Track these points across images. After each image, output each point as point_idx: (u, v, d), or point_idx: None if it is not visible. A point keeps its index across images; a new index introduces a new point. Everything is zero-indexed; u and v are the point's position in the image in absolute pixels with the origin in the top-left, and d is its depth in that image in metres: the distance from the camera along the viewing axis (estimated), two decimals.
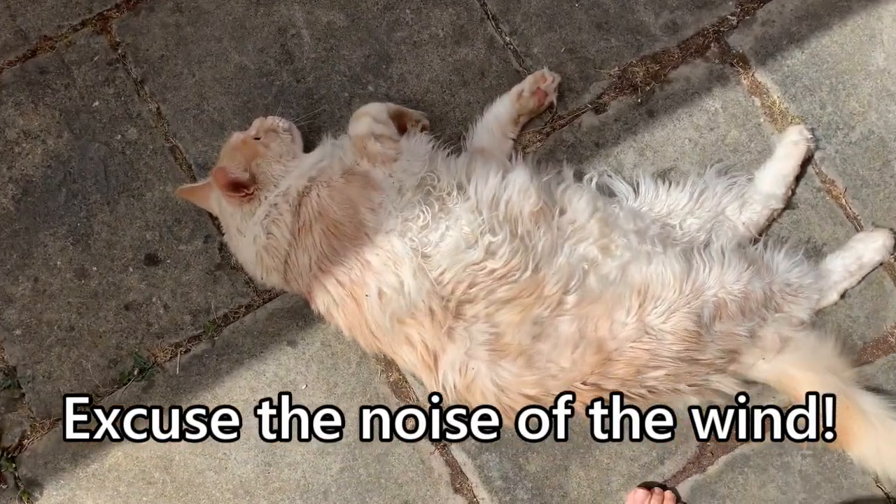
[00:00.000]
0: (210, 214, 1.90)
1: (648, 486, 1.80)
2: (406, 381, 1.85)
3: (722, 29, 1.95)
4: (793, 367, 1.70)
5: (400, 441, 1.83)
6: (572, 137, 1.92)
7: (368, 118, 1.73)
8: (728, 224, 1.80)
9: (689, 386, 1.66)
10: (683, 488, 1.80)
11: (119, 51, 1.98)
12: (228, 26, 1.98)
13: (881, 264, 1.81)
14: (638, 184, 1.83)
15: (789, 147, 1.84)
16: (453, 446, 1.83)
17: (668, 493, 1.79)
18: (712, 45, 1.94)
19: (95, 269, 1.91)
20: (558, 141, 1.93)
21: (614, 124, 1.92)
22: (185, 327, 1.89)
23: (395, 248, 1.61)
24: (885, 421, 1.64)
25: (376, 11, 1.98)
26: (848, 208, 1.86)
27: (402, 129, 1.83)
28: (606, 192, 1.84)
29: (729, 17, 1.95)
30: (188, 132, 1.96)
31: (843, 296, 1.80)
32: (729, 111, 1.92)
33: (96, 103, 1.97)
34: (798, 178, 1.87)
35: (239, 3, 2.00)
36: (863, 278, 1.80)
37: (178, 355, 1.88)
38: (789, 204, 1.85)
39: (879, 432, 1.63)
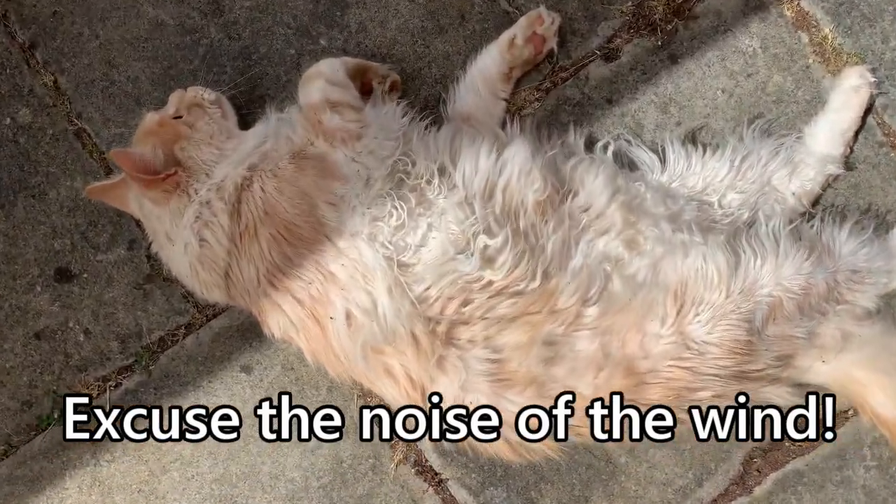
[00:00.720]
0: (132, 216, 1.52)
1: None
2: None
3: None
4: (858, 369, 1.40)
5: (385, 479, 1.52)
6: (578, 94, 1.55)
7: (321, 81, 1.37)
8: (775, 196, 1.47)
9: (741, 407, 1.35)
10: None
11: None
12: None
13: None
14: (664, 150, 1.48)
15: (847, 94, 1.49)
16: (451, 482, 1.54)
17: None
18: None
19: None
20: (561, 99, 1.56)
21: (630, 75, 1.56)
22: (112, 356, 1.56)
23: (363, 256, 1.26)
24: None
25: None
26: None
27: (366, 90, 1.46)
28: (625, 162, 1.48)
29: None
30: (96, 110, 1.56)
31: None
32: (770, 52, 1.56)
33: None
34: (857, 133, 1.52)
35: None
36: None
37: (108, 391, 1.54)
38: (846, 165, 1.51)
39: None
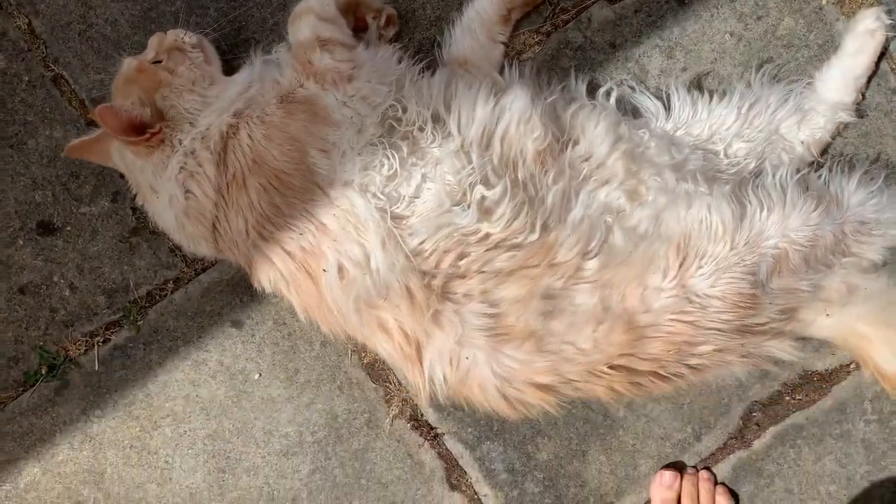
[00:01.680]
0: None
1: (678, 467, 1.50)
2: (385, 362, 1.49)
3: None
4: (863, 323, 1.37)
5: (381, 434, 1.50)
6: (580, 37, 1.47)
7: (311, 16, 1.30)
8: (783, 145, 1.41)
9: (740, 357, 1.31)
10: (724, 468, 1.52)
11: None
12: None
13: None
14: (669, 97, 1.42)
15: (863, 38, 1.42)
16: (447, 437, 1.51)
17: (703, 473, 1.50)
18: None
19: None
20: (562, 43, 1.48)
21: (634, 17, 1.47)
22: (100, 312, 1.50)
23: (355, 206, 1.21)
24: None
25: None
26: None
27: (360, 27, 1.40)
28: (628, 109, 1.42)
29: None
30: (74, 55, 1.48)
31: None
32: None
33: None
34: (870, 79, 1.45)
35: None
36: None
37: (96, 347, 1.50)
38: (858, 112, 1.45)
39: None
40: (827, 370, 1.50)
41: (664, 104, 1.42)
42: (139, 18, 1.49)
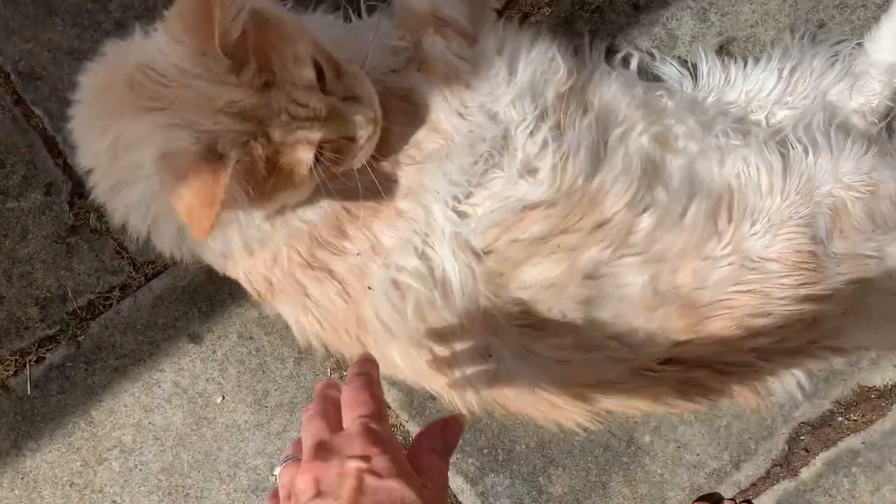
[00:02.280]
0: (49, 152, 1.23)
1: (714, 500, 1.30)
2: None
3: None
4: None
5: None
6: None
7: None
8: (834, 112, 1.19)
9: (809, 344, 1.10)
10: (767, 501, 1.31)
11: None
12: None
13: None
14: (695, 66, 1.20)
15: None
16: None
17: None
18: None
19: None
20: (576, 4, 1.26)
21: None
22: (31, 325, 1.28)
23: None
24: None
25: None
26: None
27: None
28: (650, 78, 1.21)
29: None
30: None
31: None
32: None
33: None
34: None
35: None
36: None
37: (28, 367, 1.28)
38: None
39: None
40: (886, 385, 1.30)
41: (691, 73, 1.21)
42: None
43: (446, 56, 1.02)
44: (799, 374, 1.14)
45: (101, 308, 1.29)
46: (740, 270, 1.05)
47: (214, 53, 0.83)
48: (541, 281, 1.02)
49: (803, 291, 1.06)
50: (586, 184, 1.02)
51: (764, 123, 1.19)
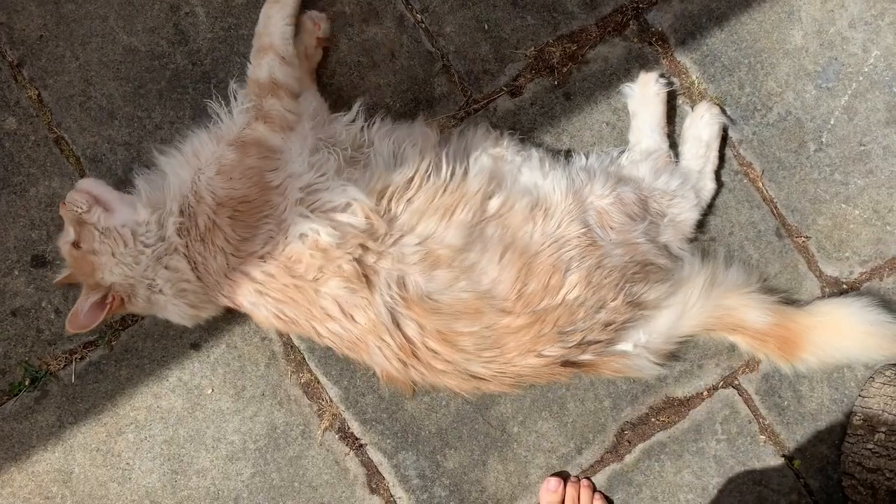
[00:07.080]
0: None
1: (563, 476, 1.78)
2: (318, 382, 1.78)
3: (640, 5, 1.87)
4: (725, 298, 1.66)
5: (313, 444, 1.77)
6: (487, 123, 1.84)
7: (272, 55, 1.57)
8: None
9: (624, 305, 1.56)
10: (601, 478, 1.80)
11: None
12: (115, 3, 1.82)
13: (725, 129, 1.81)
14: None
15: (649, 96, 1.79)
16: (369, 447, 1.78)
17: (583, 481, 1.78)
18: (631, 22, 1.86)
19: None
20: (472, 126, 1.84)
21: (530, 108, 1.84)
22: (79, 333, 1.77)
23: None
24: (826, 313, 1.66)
25: None
26: (764, 191, 1.83)
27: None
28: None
29: None
30: (74, 121, 1.80)
31: (718, 180, 1.79)
32: None
33: None
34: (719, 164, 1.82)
35: None
36: (721, 151, 1.79)
37: (74, 363, 1.76)
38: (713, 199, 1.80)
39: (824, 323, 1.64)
40: (686, 396, 1.81)
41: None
42: (130, 94, 1.82)
43: (280, 112, 1.50)
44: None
45: (129, 322, 1.80)
46: (549, 239, 1.55)
47: None
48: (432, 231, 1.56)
49: (595, 258, 1.55)
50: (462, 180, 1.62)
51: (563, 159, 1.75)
